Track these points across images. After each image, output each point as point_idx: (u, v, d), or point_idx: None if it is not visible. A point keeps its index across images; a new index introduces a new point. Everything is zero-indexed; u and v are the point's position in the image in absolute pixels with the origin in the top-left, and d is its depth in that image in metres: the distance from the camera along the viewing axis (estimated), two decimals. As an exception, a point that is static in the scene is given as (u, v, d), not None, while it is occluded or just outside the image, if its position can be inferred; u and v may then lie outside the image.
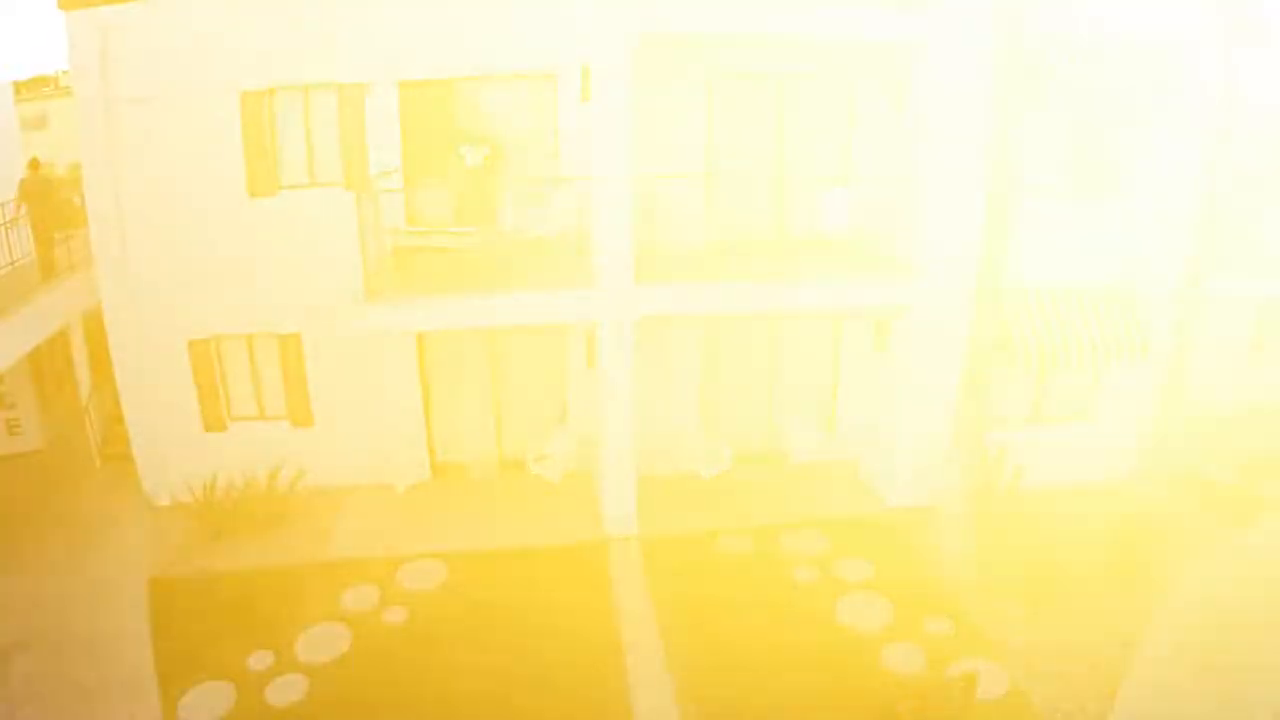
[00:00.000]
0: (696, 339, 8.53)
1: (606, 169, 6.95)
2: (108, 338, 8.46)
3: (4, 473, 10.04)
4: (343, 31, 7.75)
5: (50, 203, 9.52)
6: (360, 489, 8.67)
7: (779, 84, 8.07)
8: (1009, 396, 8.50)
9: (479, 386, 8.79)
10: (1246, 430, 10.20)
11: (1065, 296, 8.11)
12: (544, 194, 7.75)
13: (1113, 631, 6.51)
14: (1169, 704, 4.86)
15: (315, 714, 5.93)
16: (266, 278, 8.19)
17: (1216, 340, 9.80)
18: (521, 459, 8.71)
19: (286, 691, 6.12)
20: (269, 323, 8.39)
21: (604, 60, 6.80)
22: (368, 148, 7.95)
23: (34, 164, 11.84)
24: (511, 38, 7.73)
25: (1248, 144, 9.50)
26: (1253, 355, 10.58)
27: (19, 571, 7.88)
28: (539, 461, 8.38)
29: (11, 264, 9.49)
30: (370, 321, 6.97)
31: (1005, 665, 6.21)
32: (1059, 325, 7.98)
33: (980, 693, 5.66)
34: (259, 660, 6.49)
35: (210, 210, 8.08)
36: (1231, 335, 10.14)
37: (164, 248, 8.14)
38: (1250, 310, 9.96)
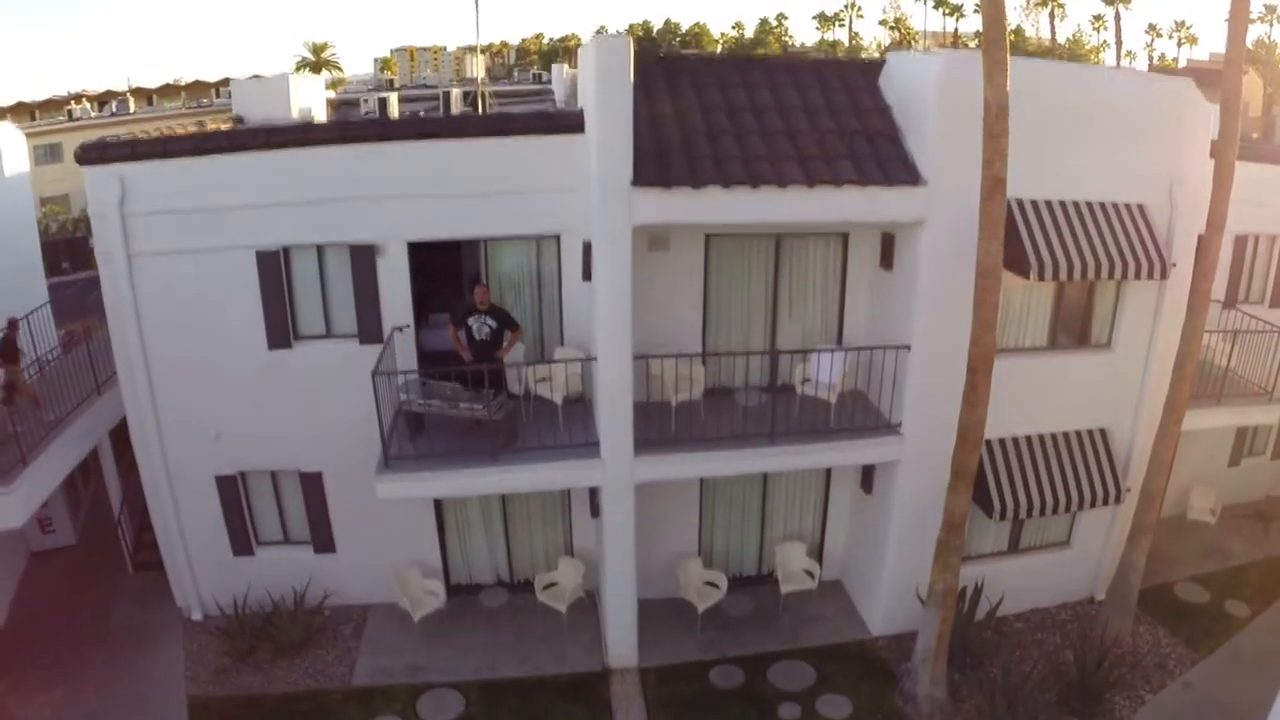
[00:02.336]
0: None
1: (608, 349, 7.63)
2: (140, 472, 9.27)
3: (41, 572, 11.01)
4: (352, 195, 8.28)
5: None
6: (382, 608, 9.60)
7: (775, 243, 8.63)
8: (988, 530, 9.31)
9: (490, 517, 9.62)
10: (1221, 541, 11.04)
11: (1042, 444, 8.81)
12: (550, 363, 8.43)
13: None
14: None
15: None
16: (287, 422, 8.95)
17: (1191, 462, 10.54)
18: (531, 580, 9.61)
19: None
20: (291, 461, 9.19)
21: (603, 251, 7.40)
22: (380, 303, 8.59)
23: None
24: (514, 206, 8.27)
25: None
26: (1229, 468, 11.35)
27: (67, 687, 8.87)
28: (546, 590, 9.28)
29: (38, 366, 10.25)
30: (388, 491, 7.76)
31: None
32: (1035, 472, 8.71)
33: None
34: (296, 797, 7.51)
35: (231, 358, 8.78)
36: (1207, 455, 10.88)
37: (189, 392, 8.87)
38: (1228, 434, 10.67)
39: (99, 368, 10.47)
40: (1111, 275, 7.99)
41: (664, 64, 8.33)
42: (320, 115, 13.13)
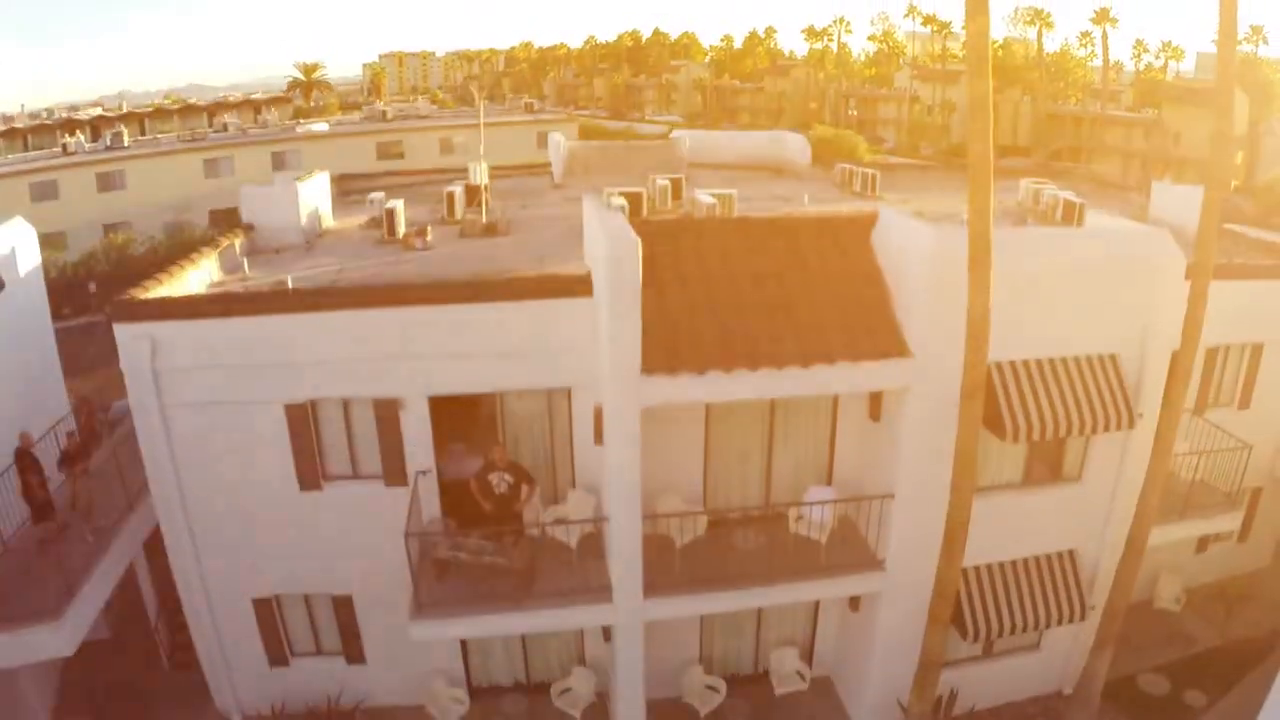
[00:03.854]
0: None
1: (619, 511, 8.59)
2: (180, 594, 10.23)
3: (79, 670, 11.98)
4: (373, 354, 9.07)
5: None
6: (410, 709, 10.71)
7: (771, 403, 9.51)
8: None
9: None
10: (1185, 626, 12.24)
11: (1014, 568, 9.89)
12: (564, 508, 9.38)
13: None
14: None
15: None
16: (319, 552, 9.92)
17: (1160, 551, 11.65)
18: (546, 682, 10.75)
19: None
20: (323, 586, 10.20)
21: (614, 427, 8.28)
22: (404, 449, 9.47)
23: None
24: (527, 362, 9.09)
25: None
26: (1197, 554, 12.52)
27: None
28: (562, 696, 10.42)
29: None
30: (421, 633, 8.80)
31: None
32: (1007, 595, 9.81)
33: None
34: None
35: (265, 498, 9.68)
36: (1176, 544, 11.99)
37: (226, 528, 9.80)
38: (1191, 541, 11.79)
39: (127, 476, 11.32)
40: (1081, 432, 8.95)
41: (669, 229, 9.06)
42: (327, 211, 13.72)
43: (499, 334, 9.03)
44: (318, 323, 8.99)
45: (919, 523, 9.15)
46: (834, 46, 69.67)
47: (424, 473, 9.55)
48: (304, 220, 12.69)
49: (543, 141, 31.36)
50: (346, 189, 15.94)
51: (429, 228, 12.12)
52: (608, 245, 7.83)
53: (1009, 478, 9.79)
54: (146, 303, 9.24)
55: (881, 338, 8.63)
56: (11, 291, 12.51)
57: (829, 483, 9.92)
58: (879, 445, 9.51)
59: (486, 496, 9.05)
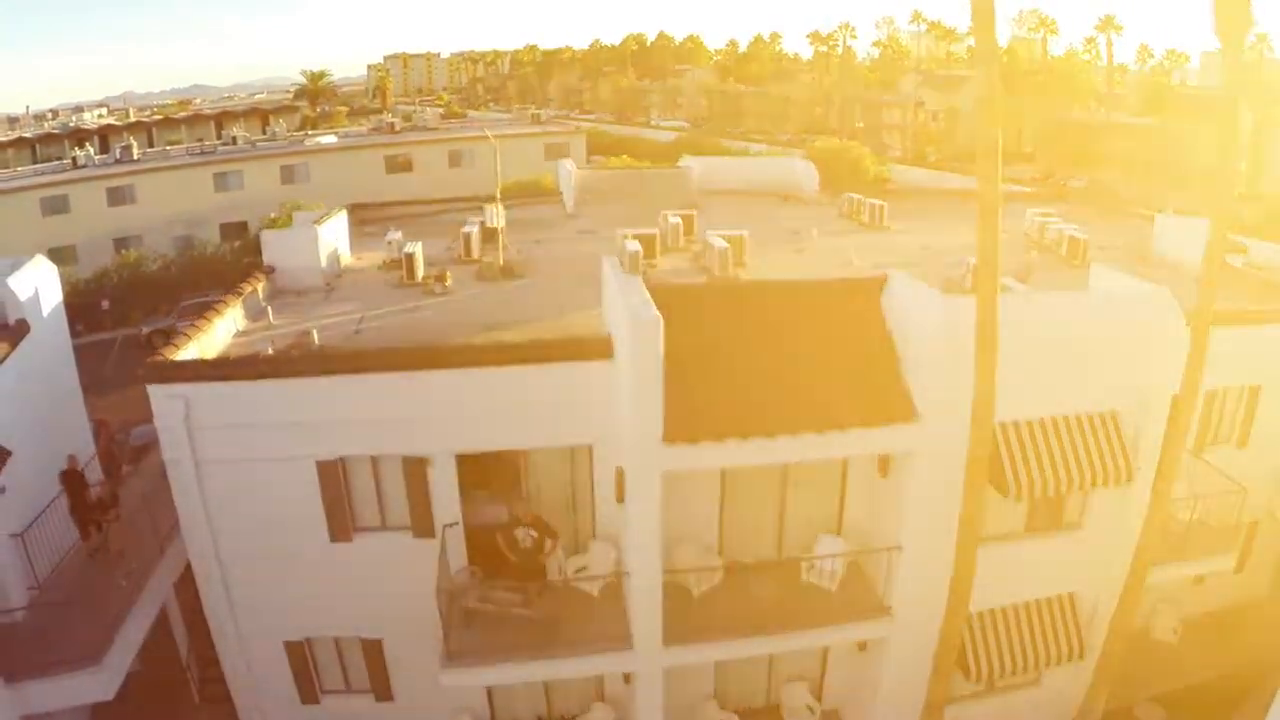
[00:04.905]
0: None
1: (640, 568, 9.02)
2: (213, 637, 10.69)
3: (112, 702, 12.48)
4: (401, 415, 9.45)
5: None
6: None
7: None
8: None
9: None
10: (1181, 656, 12.71)
11: (1015, 613, 10.34)
12: (586, 558, 9.81)
13: None
14: None
15: None
16: (349, 599, 10.37)
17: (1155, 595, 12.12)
18: (565, 717, 11.24)
19: None
20: (354, 630, 10.67)
21: (636, 490, 8.70)
22: (432, 503, 9.88)
23: None
24: (550, 421, 9.49)
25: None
26: (1194, 586, 13.00)
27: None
28: (581, 736, 10.93)
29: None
30: (452, 680, 9.28)
31: None
32: (1009, 638, 10.27)
33: None
34: None
35: (297, 549, 10.10)
36: (1171, 588, 12.45)
37: (259, 576, 10.24)
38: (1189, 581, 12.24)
39: (157, 519, 11.74)
40: (1081, 487, 9.37)
41: (686, 294, 9.41)
42: (345, 249, 14.03)
43: (524, 394, 9.43)
44: (348, 385, 9.38)
45: (925, 574, 9.60)
46: (839, 50, 69.52)
47: (451, 525, 9.97)
48: (324, 262, 13.03)
49: (550, 153, 31.61)
50: (362, 219, 16.24)
51: (448, 272, 12.45)
52: (630, 323, 8.19)
53: (1012, 527, 10.23)
54: (180, 365, 9.60)
55: (891, 403, 9.01)
56: (37, 333, 12.87)
57: (839, 533, 10.35)
58: (887, 499, 9.94)
59: (512, 550, 9.49)
